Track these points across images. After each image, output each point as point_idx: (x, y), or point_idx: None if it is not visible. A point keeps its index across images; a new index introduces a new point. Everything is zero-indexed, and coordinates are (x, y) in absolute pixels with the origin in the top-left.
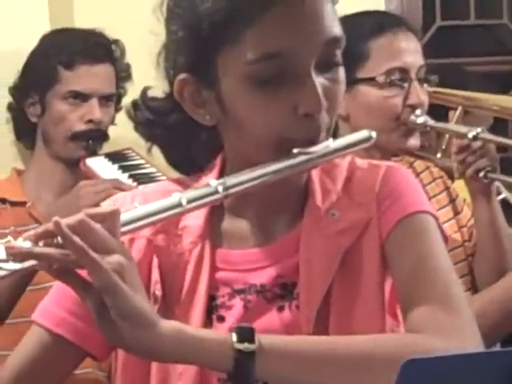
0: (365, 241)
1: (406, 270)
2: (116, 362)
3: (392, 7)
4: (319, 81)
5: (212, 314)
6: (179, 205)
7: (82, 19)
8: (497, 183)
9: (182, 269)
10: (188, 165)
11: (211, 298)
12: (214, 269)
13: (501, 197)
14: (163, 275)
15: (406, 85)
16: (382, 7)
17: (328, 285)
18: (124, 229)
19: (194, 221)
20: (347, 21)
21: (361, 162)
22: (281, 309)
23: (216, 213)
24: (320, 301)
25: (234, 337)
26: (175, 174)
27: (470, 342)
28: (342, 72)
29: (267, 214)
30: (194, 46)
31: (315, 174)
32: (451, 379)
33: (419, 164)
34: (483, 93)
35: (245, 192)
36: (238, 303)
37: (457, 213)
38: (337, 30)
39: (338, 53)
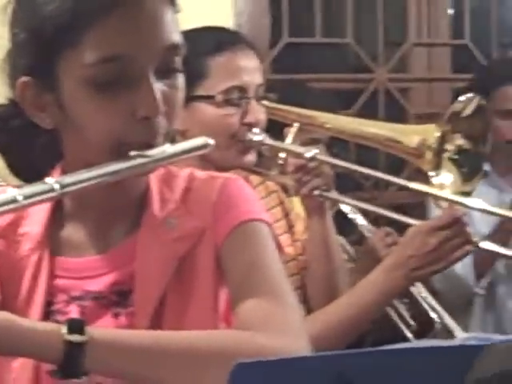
0: (200, 249)
1: (238, 273)
2: None
3: (241, 22)
4: (158, 86)
5: (48, 319)
6: (15, 200)
7: None
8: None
9: (21, 275)
10: (28, 171)
11: (48, 304)
12: (51, 276)
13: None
14: (2, 280)
15: (243, 103)
16: (230, 22)
17: (162, 291)
18: None
19: (34, 227)
20: (186, 36)
21: (200, 174)
22: (117, 315)
23: (56, 220)
24: (154, 307)
25: (65, 328)
26: (17, 182)
27: (298, 340)
28: (181, 79)
29: (105, 221)
30: (35, 48)
31: (154, 184)
32: (280, 383)
33: (255, 178)
34: (324, 109)
35: (82, 194)
36: (74, 309)
37: (291, 227)
38: (176, 37)
39: (178, 60)
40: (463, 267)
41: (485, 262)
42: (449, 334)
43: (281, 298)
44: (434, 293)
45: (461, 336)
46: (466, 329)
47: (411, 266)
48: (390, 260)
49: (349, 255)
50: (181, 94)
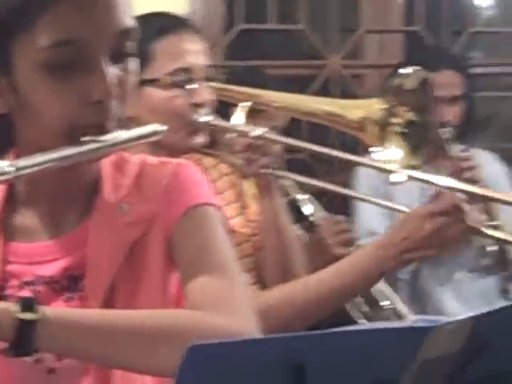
0: (152, 233)
1: (188, 256)
2: None
3: (195, 8)
4: (111, 70)
5: None
6: None
7: None
8: (287, 184)
9: None
10: None
11: (0, 289)
12: (4, 262)
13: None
14: None
15: (189, 85)
16: (186, 7)
17: (113, 276)
18: None
19: None
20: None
21: (152, 159)
22: (69, 300)
23: (9, 206)
24: (105, 292)
25: (17, 307)
26: None
27: (248, 320)
28: (133, 63)
29: (58, 207)
30: None
31: (106, 169)
32: (233, 364)
33: (208, 161)
34: None
35: (34, 179)
36: (26, 294)
37: (244, 208)
38: (130, 21)
39: (130, 44)
40: None
41: None
42: (400, 318)
43: (230, 278)
44: None
45: (410, 318)
46: None
47: (402, 248)
48: (384, 239)
49: (301, 242)
50: (133, 78)
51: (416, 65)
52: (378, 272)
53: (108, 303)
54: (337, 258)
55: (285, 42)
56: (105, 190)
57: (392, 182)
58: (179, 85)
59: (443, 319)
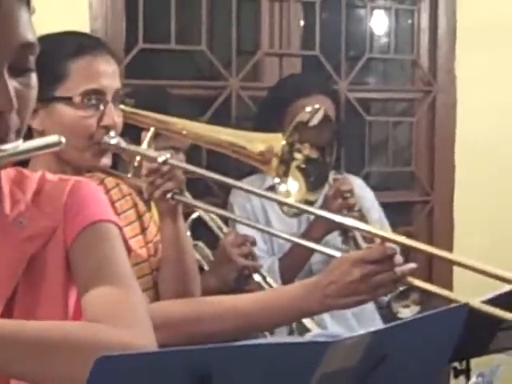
0: (50, 248)
1: (87, 270)
2: None
3: (96, 27)
4: (12, 84)
5: None
6: None
7: None
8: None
9: None
10: None
11: None
12: None
13: (195, 215)
14: None
15: (101, 106)
16: (86, 26)
17: (11, 289)
18: None
19: None
20: (48, 39)
21: (51, 176)
22: None
23: None
24: (3, 306)
25: None
26: None
27: (145, 333)
28: (34, 78)
29: None
30: None
31: (5, 184)
32: (142, 375)
33: (110, 181)
34: (183, 116)
35: None
36: None
37: (144, 229)
38: (31, 36)
39: (32, 59)
40: (270, 276)
41: (291, 270)
42: (305, 330)
43: (128, 291)
44: None
45: (313, 332)
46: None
47: (328, 292)
48: (313, 280)
49: (207, 259)
50: (34, 93)
51: (286, 89)
52: (300, 312)
53: (6, 316)
54: (239, 267)
55: (185, 63)
56: (3, 204)
57: (294, 214)
58: (91, 105)
59: (343, 334)
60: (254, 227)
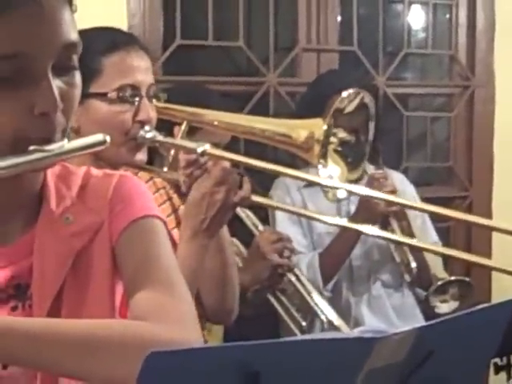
0: (96, 243)
1: (132, 267)
2: None
3: (134, 23)
4: (56, 83)
5: None
6: None
7: None
8: None
9: None
10: None
11: None
12: None
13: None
14: None
15: (136, 101)
16: (124, 23)
17: (59, 285)
18: None
19: None
20: (82, 35)
21: (96, 172)
22: (14, 308)
23: None
24: (51, 301)
25: None
26: None
27: (191, 331)
28: (78, 76)
29: (3, 216)
30: None
31: (51, 180)
32: (190, 372)
33: (143, 175)
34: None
35: None
36: None
37: (179, 222)
38: (74, 35)
39: (75, 58)
40: (310, 271)
41: (331, 266)
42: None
43: (174, 289)
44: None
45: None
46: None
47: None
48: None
49: (242, 256)
50: (78, 91)
51: (324, 85)
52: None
53: (54, 313)
54: (273, 265)
55: (223, 59)
56: (50, 201)
57: (338, 199)
58: (126, 100)
59: (389, 330)
60: (294, 213)
